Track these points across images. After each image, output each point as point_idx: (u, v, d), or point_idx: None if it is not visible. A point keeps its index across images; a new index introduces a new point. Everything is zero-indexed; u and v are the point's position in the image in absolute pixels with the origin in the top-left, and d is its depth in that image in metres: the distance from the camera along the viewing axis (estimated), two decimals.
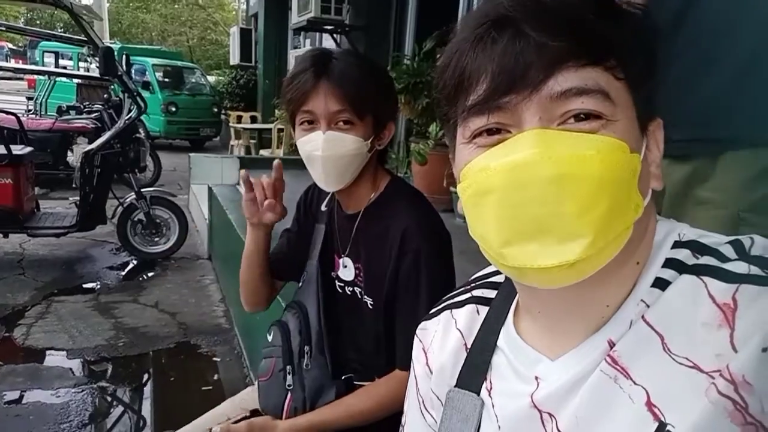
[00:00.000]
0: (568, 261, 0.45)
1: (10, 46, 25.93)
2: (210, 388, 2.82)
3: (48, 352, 3.04)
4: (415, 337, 0.73)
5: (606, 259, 0.47)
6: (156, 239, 4.56)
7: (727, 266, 0.48)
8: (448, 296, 0.72)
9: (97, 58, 4.03)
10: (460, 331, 0.66)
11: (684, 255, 0.51)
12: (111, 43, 12.96)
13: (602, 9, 0.49)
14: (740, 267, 0.47)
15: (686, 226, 0.54)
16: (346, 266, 1.23)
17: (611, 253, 0.47)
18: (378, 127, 1.15)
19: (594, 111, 0.47)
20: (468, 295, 0.68)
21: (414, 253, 1.09)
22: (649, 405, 0.47)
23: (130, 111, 4.27)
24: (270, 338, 1.30)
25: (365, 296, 1.19)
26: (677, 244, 0.52)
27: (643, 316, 0.49)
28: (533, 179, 0.45)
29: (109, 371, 2.93)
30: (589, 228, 0.45)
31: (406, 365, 1.10)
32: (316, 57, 1.11)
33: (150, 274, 4.33)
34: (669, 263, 0.51)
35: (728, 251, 0.50)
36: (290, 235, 1.39)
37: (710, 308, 0.46)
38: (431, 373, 0.68)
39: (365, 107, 1.10)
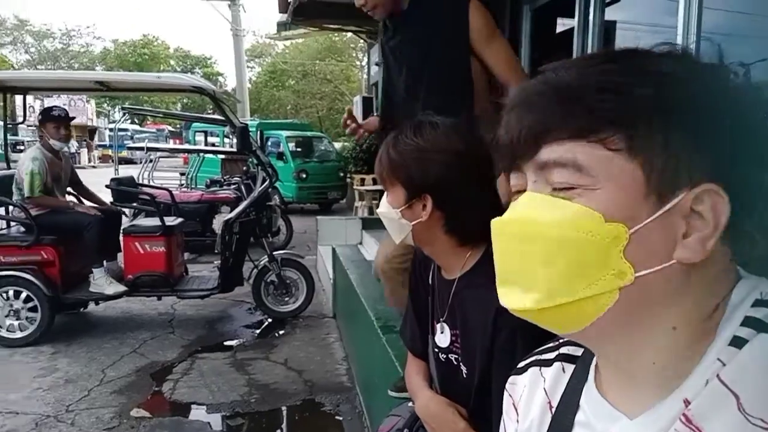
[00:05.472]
0: (525, 308, 0.52)
1: (169, 128, 29.82)
2: None
3: (191, 406, 3.31)
4: (505, 391, 0.74)
5: (585, 316, 0.50)
6: (286, 299, 4.84)
7: None
8: (537, 351, 0.72)
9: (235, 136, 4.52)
10: (545, 390, 0.66)
11: (763, 314, 0.50)
12: (251, 120, 14.36)
13: (609, 82, 0.50)
14: None
15: None
16: (442, 332, 1.22)
17: (590, 311, 0.49)
18: (410, 199, 1.15)
19: (565, 183, 0.51)
20: (556, 353, 0.69)
21: (510, 329, 1.03)
22: None
23: (263, 182, 4.69)
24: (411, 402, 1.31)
25: (461, 364, 1.17)
26: (758, 303, 0.51)
27: (718, 375, 0.48)
28: (507, 235, 0.54)
29: (242, 426, 3.11)
30: (540, 284, 0.51)
31: None
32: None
33: (281, 332, 4.59)
34: (747, 321, 0.50)
35: None
36: (412, 318, 1.38)
37: None
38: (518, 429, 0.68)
39: (393, 174, 1.17)
